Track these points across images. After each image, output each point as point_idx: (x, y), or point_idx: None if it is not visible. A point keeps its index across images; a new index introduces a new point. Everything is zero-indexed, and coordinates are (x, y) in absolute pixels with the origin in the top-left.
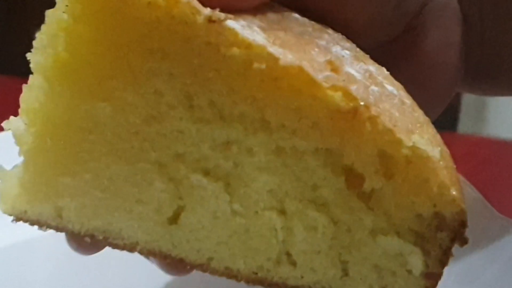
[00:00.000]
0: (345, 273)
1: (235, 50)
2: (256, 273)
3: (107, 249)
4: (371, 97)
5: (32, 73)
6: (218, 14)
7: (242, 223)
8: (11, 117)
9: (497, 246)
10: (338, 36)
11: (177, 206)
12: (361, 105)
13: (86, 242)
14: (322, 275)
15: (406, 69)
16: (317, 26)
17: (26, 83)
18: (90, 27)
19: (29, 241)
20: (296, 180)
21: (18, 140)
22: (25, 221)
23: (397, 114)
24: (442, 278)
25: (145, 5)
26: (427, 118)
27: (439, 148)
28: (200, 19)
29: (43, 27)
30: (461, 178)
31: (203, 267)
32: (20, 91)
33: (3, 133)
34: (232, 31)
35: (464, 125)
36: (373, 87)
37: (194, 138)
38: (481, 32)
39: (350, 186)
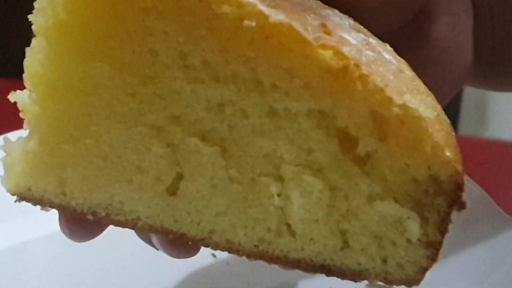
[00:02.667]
0: (346, 244)
1: (226, 8)
2: (257, 246)
3: (102, 254)
4: (363, 59)
5: None
6: None
7: (239, 191)
8: (18, 91)
9: (506, 247)
10: (342, 14)
11: (175, 174)
12: (351, 63)
13: (81, 227)
14: (322, 246)
15: (417, 54)
16: (322, 4)
17: (23, 86)
18: None
19: (22, 245)
20: (290, 143)
21: (23, 111)
22: (29, 200)
23: (391, 77)
24: (453, 278)
25: None
26: (429, 92)
27: (436, 113)
28: None
29: None
30: (469, 179)
31: (205, 242)
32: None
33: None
34: None
35: (465, 127)
36: (368, 52)
37: (189, 99)
38: (490, 21)
39: (345, 150)
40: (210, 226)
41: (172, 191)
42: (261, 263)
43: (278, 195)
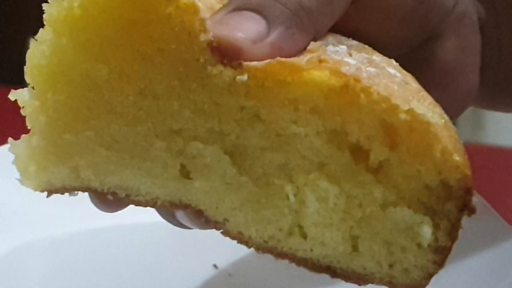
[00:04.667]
0: (355, 249)
1: (220, 68)
2: (267, 242)
3: (101, 263)
4: (364, 74)
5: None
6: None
7: (254, 192)
8: (19, 89)
9: (506, 257)
10: (343, 38)
11: (180, 166)
12: (351, 79)
13: (109, 200)
14: (331, 250)
15: (425, 76)
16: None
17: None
18: None
19: (20, 251)
20: (302, 158)
21: (23, 107)
22: (56, 191)
23: (395, 87)
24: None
25: None
26: (436, 103)
27: (443, 120)
28: (202, 37)
29: None
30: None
31: (218, 225)
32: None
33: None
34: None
35: (462, 133)
36: (370, 68)
37: (188, 120)
38: (498, 45)
39: (358, 161)
40: (226, 215)
41: (186, 175)
42: (263, 275)
43: (294, 195)
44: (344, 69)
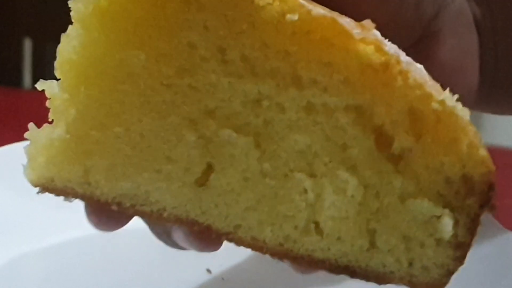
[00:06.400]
0: (372, 244)
1: (268, 0)
2: (282, 245)
3: (96, 271)
4: (402, 57)
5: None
6: None
7: (271, 185)
8: (48, 81)
9: (502, 260)
10: None
11: (206, 166)
12: (392, 59)
13: (108, 216)
14: (349, 246)
15: None
16: None
17: (15, 93)
18: None
19: (15, 261)
20: (326, 139)
21: (51, 99)
22: (51, 191)
23: (427, 78)
24: None
25: None
26: None
27: (469, 117)
28: None
29: None
30: None
31: (230, 236)
32: (8, 100)
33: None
34: None
35: None
36: (405, 57)
37: (225, 92)
38: (494, 46)
39: (380, 147)
40: (237, 220)
41: (201, 182)
42: (257, 279)
43: (312, 190)
44: (385, 47)
